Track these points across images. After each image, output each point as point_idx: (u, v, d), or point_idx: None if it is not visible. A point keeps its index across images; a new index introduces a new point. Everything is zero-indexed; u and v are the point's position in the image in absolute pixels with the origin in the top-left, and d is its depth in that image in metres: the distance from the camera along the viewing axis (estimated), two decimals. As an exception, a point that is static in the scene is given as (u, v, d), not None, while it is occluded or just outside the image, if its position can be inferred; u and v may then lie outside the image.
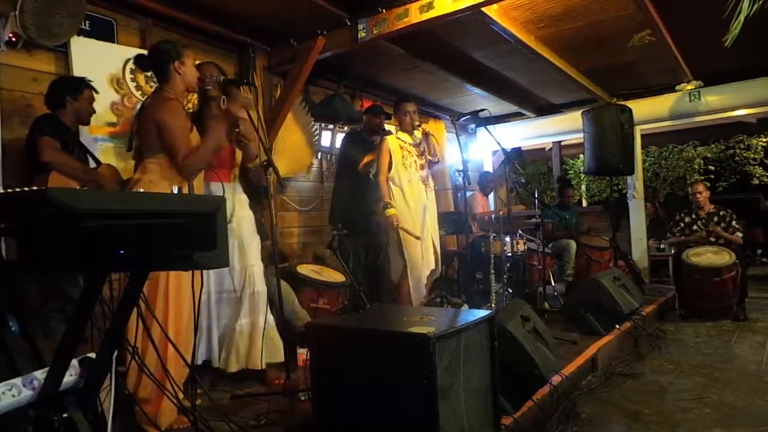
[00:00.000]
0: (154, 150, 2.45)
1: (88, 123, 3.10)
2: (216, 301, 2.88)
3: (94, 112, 3.08)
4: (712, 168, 10.30)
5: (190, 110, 3.17)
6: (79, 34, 3.32)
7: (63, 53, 3.31)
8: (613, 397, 2.95)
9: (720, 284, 4.64)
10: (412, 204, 3.96)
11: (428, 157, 4.12)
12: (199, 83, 2.78)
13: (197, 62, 2.80)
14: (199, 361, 2.80)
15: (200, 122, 2.80)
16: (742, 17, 2.61)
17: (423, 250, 3.95)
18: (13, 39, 3.03)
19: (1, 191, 1.13)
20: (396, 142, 4.04)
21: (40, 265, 1.23)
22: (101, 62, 3.48)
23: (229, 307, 2.89)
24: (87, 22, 3.39)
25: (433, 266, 4.02)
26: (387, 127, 4.58)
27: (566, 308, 4.28)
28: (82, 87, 2.98)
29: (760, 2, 2.48)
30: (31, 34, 3.02)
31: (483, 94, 6.23)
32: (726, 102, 6.01)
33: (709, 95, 6.03)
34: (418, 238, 3.90)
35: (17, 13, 2.93)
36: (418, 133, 4.13)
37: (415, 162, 4.05)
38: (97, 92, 3.08)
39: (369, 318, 2.57)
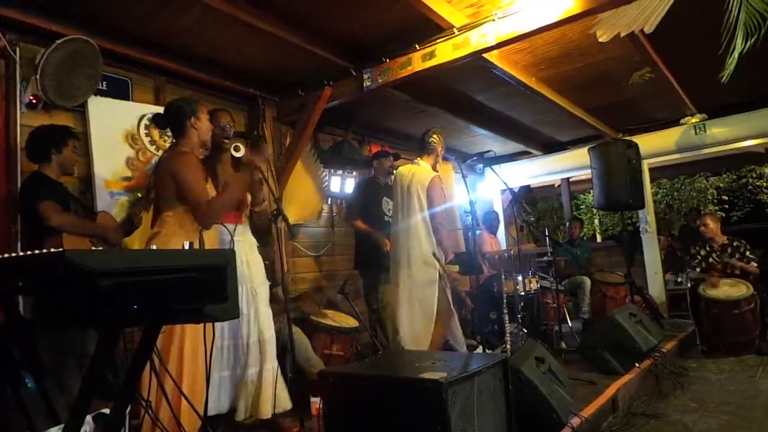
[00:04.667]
0: (171, 203, 2.51)
1: (72, 174, 3.06)
2: (226, 349, 2.82)
3: (77, 162, 3.07)
4: (726, 198, 10.23)
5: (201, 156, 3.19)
6: (96, 94, 3.46)
7: (81, 112, 3.44)
8: (636, 440, 2.88)
9: (739, 317, 4.54)
10: None
11: None
12: (215, 130, 2.81)
13: (210, 109, 2.86)
14: (214, 412, 2.77)
15: (210, 167, 2.86)
16: (736, 54, 2.67)
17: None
18: (34, 101, 3.16)
19: (21, 253, 1.18)
20: None
21: (57, 322, 1.26)
22: (117, 119, 3.62)
23: (239, 355, 2.84)
24: (104, 82, 3.54)
25: None
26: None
27: (583, 347, 4.20)
28: (67, 138, 2.90)
29: (752, 40, 2.55)
30: (51, 97, 3.16)
31: (489, 134, 6.32)
32: (732, 133, 6.03)
33: (714, 127, 6.06)
34: None
35: (38, 76, 3.08)
36: None
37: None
38: (79, 139, 3.07)
39: (381, 364, 2.56)
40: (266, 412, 2.78)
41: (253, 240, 3.02)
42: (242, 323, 2.80)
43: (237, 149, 2.80)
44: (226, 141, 2.91)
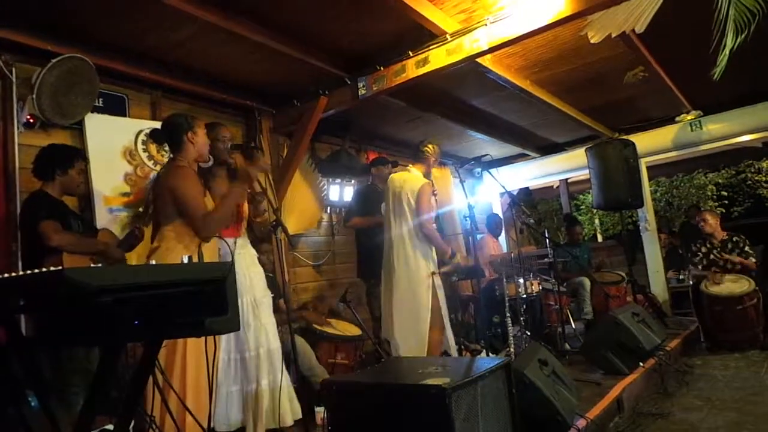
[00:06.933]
0: (170, 218, 2.53)
1: (75, 195, 3.06)
2: (233, 362, 2.82)
3: (83, 182, 3.07)
4: (725, 194, 10.22)
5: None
6: (92, 111, 3.48)
7: (78, 130, 3.46)
8: (642, 439, 2.87)
9: (742, 313, 4.54)
10: None
11: None
12: (213, 143, 2.83)
13: (207, 123, 2.87)
14: (224, 429, 2.75)
15: (204, 181, 2.85)
16: (727, 50, 2.68)
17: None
18: (31, 120, 3.18)
19: (21, 273, 1.18)
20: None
21: (59, 339, 1.27)
22: (114, 136, 3.63)
23: (247, 368, 2.83)
24: (100, 99, 3.56)
25: None
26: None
27: (586, 348, 4.19)
28: (73, 160, 2.93)
29: (743, 36, 2.56)
30: (48, 116, 3.18)
31: (486, 138, 6.34)
32: (728, 129, 6.04)
33: (710, 124, 6.07)
34: None
35: (34, 96, 3.10)
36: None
37: None
38: (87, 162, 3.14)
39: (384, 372, 2.55)
40: (286, 420, 2.77)
41: (254, 252, 3.04)
42: (248, 335, 2.80)
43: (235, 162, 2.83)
44: (228, 153, 2.93)
